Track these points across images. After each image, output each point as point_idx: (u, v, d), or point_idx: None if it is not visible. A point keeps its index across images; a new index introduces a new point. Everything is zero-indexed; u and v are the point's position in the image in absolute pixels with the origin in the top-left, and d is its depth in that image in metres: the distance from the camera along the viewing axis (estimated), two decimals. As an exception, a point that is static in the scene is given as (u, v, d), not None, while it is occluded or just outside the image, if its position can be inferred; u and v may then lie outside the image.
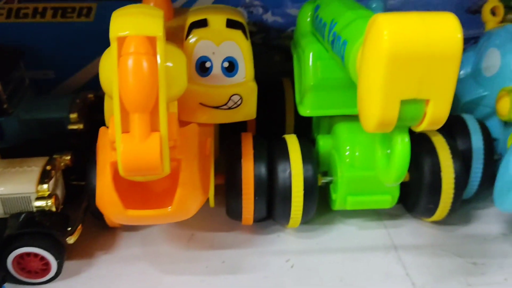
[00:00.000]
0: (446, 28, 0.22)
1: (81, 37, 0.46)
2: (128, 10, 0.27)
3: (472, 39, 0.46)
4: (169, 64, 0.28)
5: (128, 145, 0.26)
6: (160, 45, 0.26)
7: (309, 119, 0.44)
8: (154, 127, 0.27)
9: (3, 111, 0.40)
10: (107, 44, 0.26)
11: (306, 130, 0.44)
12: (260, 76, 0.47)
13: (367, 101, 0.24)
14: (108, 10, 0.33)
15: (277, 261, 0.36)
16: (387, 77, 0.22)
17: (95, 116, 0.43)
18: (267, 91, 0.45)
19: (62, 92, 0.48)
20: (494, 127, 0.41)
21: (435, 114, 0.23)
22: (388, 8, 0.47)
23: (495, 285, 0.34)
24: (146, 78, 0.26)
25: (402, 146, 0.25)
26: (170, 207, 0.29)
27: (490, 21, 0.44)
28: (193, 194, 0.30)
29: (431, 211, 0.37)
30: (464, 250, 0.37)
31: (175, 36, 0.35)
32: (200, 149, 0.32)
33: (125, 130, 0.26)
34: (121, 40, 0.26)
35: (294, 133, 0.45)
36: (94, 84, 0.42)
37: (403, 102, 0.23)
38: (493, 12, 0.44)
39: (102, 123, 0.35)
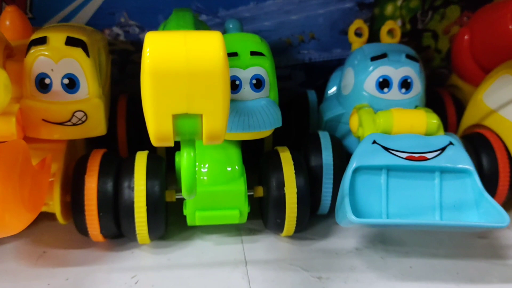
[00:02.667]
0: (209, 46, 0.23)
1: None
2: None
3: (346, 59, 0.48)
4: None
5: None
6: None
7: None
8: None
9: None
10: None
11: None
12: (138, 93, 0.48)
13: (146, 116, 0.25)
14: None
15: (122, 278, 0.35)
16: (153, 93, 0.23)
17: None
18: (138, 109, 0.46)
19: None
20: (354, 144, 0.42)
21: (211, 128, 0.24)
22: (262, 30, 0.49)
23: (332, 299, 0.34)
24: None
25: (187, 159, 0.25)
26: (-14, 223, 0.29)
27: (355, 42, 0.46)
28: (12, 211, 0.30)
29: (280, 226, 0.38)
30: (313, 265, 0.37)
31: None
32: (26, 165, 0.32)
33: None
34: None
35: (166, 151, 0.46)
36: None
37: (176, 117, 0.24)
38: (359, 33, 0.46)
39: None
